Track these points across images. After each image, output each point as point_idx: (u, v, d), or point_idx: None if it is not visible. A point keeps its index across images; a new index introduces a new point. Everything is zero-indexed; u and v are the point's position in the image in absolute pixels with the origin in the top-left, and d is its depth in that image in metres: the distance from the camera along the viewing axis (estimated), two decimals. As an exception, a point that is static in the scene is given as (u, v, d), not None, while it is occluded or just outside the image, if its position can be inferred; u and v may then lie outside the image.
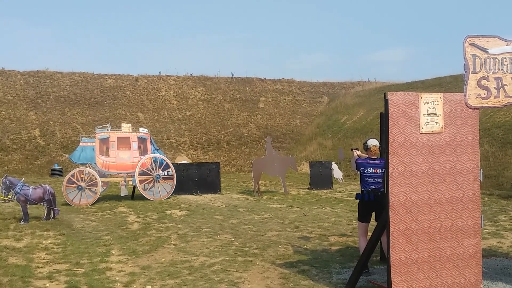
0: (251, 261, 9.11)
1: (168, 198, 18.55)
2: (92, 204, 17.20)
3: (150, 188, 18.57)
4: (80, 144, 18.46)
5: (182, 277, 8.14)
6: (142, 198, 18.31)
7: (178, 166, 20.08)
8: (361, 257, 7.27)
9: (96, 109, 38.18)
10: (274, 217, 14.16)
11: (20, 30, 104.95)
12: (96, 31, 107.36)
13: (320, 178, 22.57)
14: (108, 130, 18.48)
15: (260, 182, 21.26)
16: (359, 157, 8.45)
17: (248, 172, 35.10)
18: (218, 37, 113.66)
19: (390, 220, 6.26)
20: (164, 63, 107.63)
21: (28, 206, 13.54)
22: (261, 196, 19.55)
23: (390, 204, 6.26)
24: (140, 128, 20.15)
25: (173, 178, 18.90)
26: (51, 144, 34.18)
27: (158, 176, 18.49)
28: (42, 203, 13.83)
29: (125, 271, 8.59)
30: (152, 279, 8.06)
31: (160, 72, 44.14)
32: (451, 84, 31.74)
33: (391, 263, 6.26)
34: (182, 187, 19.79)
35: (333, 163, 24.94)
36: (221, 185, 21.52)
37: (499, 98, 6.62)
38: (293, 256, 9.45)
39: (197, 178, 20.61)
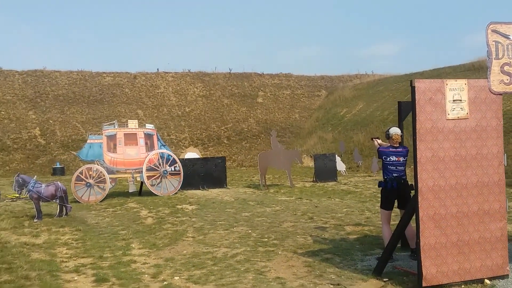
0: (273, 251, 9.22)
1: (175, 193, 18.63)
2: (101, 201, 17.25)
3: (158, 184, 18.65)
4: (88, 141, 18.50)
5: (207, 267, 8.24)
6: (150, 194, 18.38)
7: (184, 162, 20.16)
8: (388, 243, 7.39)
9: (95, 107, 38.15)
10: (286, 209, 14.27)
11: (15, 28, 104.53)
12: (92, 29, 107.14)
13: (325, 170, 22.71)
14: (115, 126, 18.51)
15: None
16: (380, 145, 8.55)
17: (249, 167, 35.27)
18: (215, 33, 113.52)
19: (419, 206, 6.37)
20: (162, 60, 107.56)
21: (41, 203, 13.59)
22: (268, 190, 19.66)
23: (419, 189, 6.37)
24: (146, 124, 20.19)
25: (180, 173, 18.97)
26: (51, 143, 34.16)
27: (165, 172, 18.56)
28: (54, 200, 13.88)
29: (149, 263, 8.68)
30: (178, 270, 8.14)
31: (158, 69, 44.17)
32: (450, 75, 31.88)
33: (421, 248, 6.37)
34: (188, 182, 19.86)
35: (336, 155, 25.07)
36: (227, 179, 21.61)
37: (521, 83, 6.72)
38: (313, 245, 9.56)
39: (203, 173, 20.70)
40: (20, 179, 13.52)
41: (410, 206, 6.80)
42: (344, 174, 25.60)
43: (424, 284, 6.37)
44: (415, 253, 8.02)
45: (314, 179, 22.67)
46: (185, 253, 9.31)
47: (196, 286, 7.24)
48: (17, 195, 18.52)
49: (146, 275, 7.91)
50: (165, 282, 7.45)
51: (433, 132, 6.43)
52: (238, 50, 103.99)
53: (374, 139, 8.83)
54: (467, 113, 6.57)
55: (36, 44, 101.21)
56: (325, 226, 11.45)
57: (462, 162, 6.55)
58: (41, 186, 13.61)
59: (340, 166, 25.28)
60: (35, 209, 13.47)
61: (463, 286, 6.56)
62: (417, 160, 6.38)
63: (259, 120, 41.27)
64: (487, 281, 6.64)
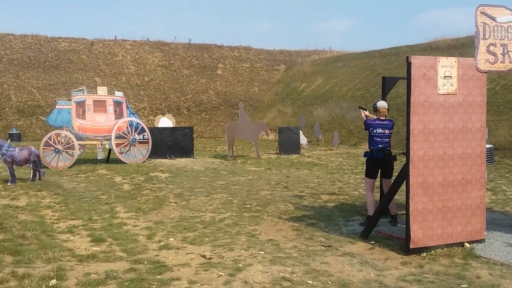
0: (258, 216, 9.62)
1: (143, 161, 18.70)
2: (70, 167, 17.15)
3: (126, 152, 18.66)
4: (57, 106, 18.21)
5: (198, 230, 8.56)
6: (118, 161, 18.38)
7: (152, 131, 20.17)
8: (377, 209, 7.90)
9: (51, 73, 37.19)
10: (259, 178, 14.67)
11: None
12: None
13: (288, 143, 23.18)
14: (84, 93, 18.31)
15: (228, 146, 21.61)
16: (367, 117, 8.99)
17: (209, 138, 35.46)
18: (173, 2, 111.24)
19: (410, 174, 6.87)
20: (120, 27, 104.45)
21: (14, 167, 13.47)
22: (235, 160, 19.99)
23: (410, 158, 6.86)
24: (115, 92, 20.03)
25: (148, 142, 19.02)
26: (6, 108, 33.22)
27: (134, 140, 18.58)
28: (27, 165, 13.77)
29: (140, 226, 8.92)
30: (170, 232, 8.43)
31: (116, 37, 43.26)
32: (408, 54, 32.64)
33: (410, 212, 6.89)
34: (156, 151, 19.92)
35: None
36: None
37: (505, 63, 7.27)
38: (295, 212, 10.01)
39: (170, 143, 20.81)
40: (-6, 143, 13.34)
41: (400, 174, 7.29)
42: (306, 147, 26.20)
43: (411, 246, 6.92)
44: (394, 220, 8.64)
45: (278, 151, 23.14)
46: (172, 217, 9.59)
47: (193, 246, 7.55)
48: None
49: (140, 236, 8.16)
50: (161, 243, 7.73)
51: (425, 105, 6.90)
52: (197, 21, 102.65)
53: (361, 110, 9.24)
54: (455, 89, 7.08)
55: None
56: (301, 195, 11.93)
57: (450, 134, 7.07)
58: (14, 150, 13.46)
59: (302, 139, 25.82)
60: (8, 173, 13.35)
61: (445, 248, 7.14)
62: (410, 131, 6.84)
63: (218, 92, 41.32)
64: (467, 244, 7.25)
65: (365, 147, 24.98)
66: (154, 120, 27.42)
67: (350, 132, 27.73)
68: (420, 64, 6.87)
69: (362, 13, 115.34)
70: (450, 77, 7.02)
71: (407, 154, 6.92)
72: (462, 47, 29.49)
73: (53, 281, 5.83)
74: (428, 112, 6.92)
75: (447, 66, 6.99)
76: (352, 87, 33.75)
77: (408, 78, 6.84)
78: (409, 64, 6.82)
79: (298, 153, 22.97)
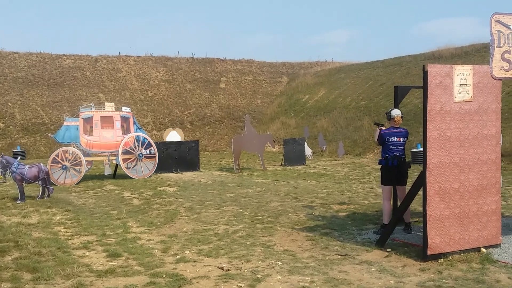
0: (271, 227, 9.61)
1: (150, 176, 18.71)
2: (77, 183, 17.17)
3: (133, 167, 18.68)
4: (64, 123, 18.28)
5: (213, 242, 8.55)
6: (125, 177, 18.39)
7: (158, 145, 20.17)
8: (393, 216, 7.90)
9: (55, 90, 37.31)
10: (267, 190, 14.67)
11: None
12: (50, 10, 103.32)
13: (294, 154, 23.19)
14: (91, 109, 18.38)
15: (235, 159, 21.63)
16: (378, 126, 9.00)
17: (213, 152, 35.49)
18: (177, 17, 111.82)
19: (426, 181, 6.88)
20: (123, 43, 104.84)
21: (24, 185, 13.50)
22: (241, 172, 20.00)
23: (427, 166, 6.87)
24: (122, 107, 20.10)
25: (155, 156, 19.04)
26: (11, 127, 33.30)
27: (140, 155, 18.61)
28: (37, 182, 13.80)
29: (154, 240, 8.91)
30: (185, 245, 8.42)
31: (119, 53, 43.40)
32: (411, 63, 32.92)
33: (427, 219, 6.89)
34: (162, 166, 19.89)
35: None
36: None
37: (518, 70, 7.30)
38: (308, 222, 10.01)
39: (176, 157, 20.82)
40: (4, 160, 13.38)
41: (416, 182, 7.30)
42: (311, 158, 26.18)
43: (429, 252, 6.91)
44: (409, 227, 8.64)
45: (283, 162, 23.14)
46: (185, 230, 9.58)
47: (209, 259, 7.54)
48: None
49: (156, 250, 8.15)
50: (177, 256, 7.72)
51: (442, 113, 6.93)
52: (200, 35, 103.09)
53: (379, 127, 9.01)
54: (471, 97, 7.11)
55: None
56: (312, 205, 11.92)
57: (465, 141, 7.10)
58: (24, 168, 13.50)
59: (307, 150, 25.82)
60: (17, 191, 13.37)
61: (462, 254, 7.14)
62: (427, 139, 6.87)
63: (222, 106, 41.41)
64: (483, 249, 7.26)
65: (370, 157, 25.00)
66: (164, 133, 27.33)
67: (355, 142, 27.74)
68: (437, 72, 6.91)
69: (363, 24, 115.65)
70: (466, 84, 7.06)
71: (424, 161, 6.95)
72: (466, 55, 29.58)
73: (74, 296, 5.83)
74: (444, 120, 6.95)
75: (462, 74, 7.04)
76: (355, 97, 33.82)
77: (425, 87, 6.88)
78: (425, 73, 6.87)
79: (303, 164, 22.96)
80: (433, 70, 6.88)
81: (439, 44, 55.48)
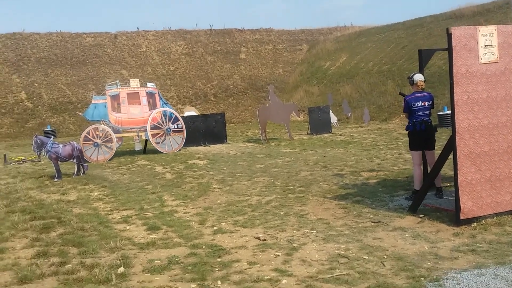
0: (303, 196, 9.81)
1: (179, 150, 19.03)
2: (109, 160, 17.58)
3: (162, 142, 19.01)
4: (93, 101, 18.64)
5: (248, 213, 8.79)
6: (155, 151, 18.75)
7: (185, 119, 20.45)
8: (425, 181, 8.03)
9: (79, 68, 37.76)
10: (296, 160, 14.84)
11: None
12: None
13: (319, 123, 23.26)
14: (117, 86, 18.67)
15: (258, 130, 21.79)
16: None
17: (238, 123, 35.70)
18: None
19: (456, 145, 6.95)
20: (141, 18, 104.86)
21: (59, 163, 13.91)
22: (268, 143, 20.19)
23: (456, 130, 6.94)
24: (147, 83, 20.34)
25: (183, 130, 19.32)
26: (39, 106, 33.93)
27: (168, 129, 18.91)
28: (71, 160, 14.20)
29: (190, 212, 9.20)
30: (221, 217, 8.68)
31: (138, 28, 43.58)
32: (433, 24, 32.40)
33: (458, 183, 6.99)
34: (190, 139, 20.18)
35: (328, 108, 25.60)
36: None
37: (545, 28, 7.26)
38: (339, 190, 10.18)
39: (204, 130, 21.09)
40: (38, 140, 13.80)
41: (446, 146, 7.39)
42: (336, 126, 26.22)
43: (462, 217, 7.03)
44: (440, 192, 8.74)
45: (309, 131, 23.25)
46: (219, 202, 9.84)
47: (245, 229, 7.79)
48: (23, 158, 18.76)
49: (193, 222, 8.43)
50: (214, 227, 7.98)
51: (468, 76, 6.96)
52: (217, 6, 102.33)
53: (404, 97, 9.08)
54: (497, 57, 7.12)
55: (11, 5, 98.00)
56: (342, 173, 12.07)
57: (493, 103, 7.13)
58: (58, 146, 13.89)
59: (332, 118, 25.84)
60: (54, 169, 13.79)
61: (495, 217, 7.24)
62: (454, 102, 6.92)
63: (243, 76, 41.45)
64: (516, 212, 7.34)
65: (396, 122, 24.92)
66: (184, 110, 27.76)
67: (380, 108, 27.65)
68: (461, 34, 6.92)
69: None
70: (491, 45, 7.06)
71: (452, 125, 7.01)
72: (488, 13, 29.00)
73: (121, 269, 6.13)
74: (471, 82, 6.99)
75: (487, 35, 7.03)
76: (377, 62, 33.51)
77: (450, 50, 6.89)
78: (449, 36, 6.87)
79: (330, 132, 23.05)
80: (457, 32, 6.89)
81: (459, 2, 54.23)
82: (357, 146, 17.27)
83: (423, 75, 8.91)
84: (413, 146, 8.79)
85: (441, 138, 13.31)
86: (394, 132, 20.85)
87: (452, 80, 6.93)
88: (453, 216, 7.28)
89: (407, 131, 8.90)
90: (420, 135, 8.60)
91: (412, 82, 8.72)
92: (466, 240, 6.59)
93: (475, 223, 7.07)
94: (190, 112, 24.91)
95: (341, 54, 39.37)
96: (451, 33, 6.88)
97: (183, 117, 21.33)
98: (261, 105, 32.38)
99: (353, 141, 19.18)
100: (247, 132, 26.71)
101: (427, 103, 8.59)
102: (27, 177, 14.18)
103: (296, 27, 48.70)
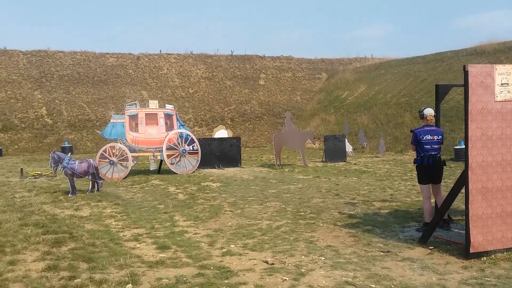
0: (314, 223, 9.82)
1: (193, 172, 19.16)
2: (124, 178, 17.76)
3: (177, 163, 19.17)
4: (111, 120, 18.95)
5: (257, 237, 8.82)
6: (169, 172, 18.90)
7: (201, 141, 20.64)
8: (436, 214, 8.02)
9: (100, 87, 38.39)
10: (309, 186, 14.87)
11: (16, 7, 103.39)
12: (93, 10, 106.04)
13: (334, 151, 23.29)
14: (136, 107, 18.96)
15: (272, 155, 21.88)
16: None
17: (253, 148, 35.86)
18: (218, 14, 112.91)
19: (469, 180, 6.97)
20: (164, 41, 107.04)
21: (75, 179, 14.10)
22: (282, 169, 20.24)
23: (469, 165, 6.96)
24: (166, 105, 20.63)
25: (198, 152, 19.48)
26: (58, 123, 34.46)
27: (184, 151, 19.07)
28: (87, 177, 14.37)
29: (200, 233, 9.25)
30: (230, 239, 8.72)
31: (160, 51, 44.32)
32: (453, 59, 32.45)
33: (469, 218, 6.98)
34: (204, 162, 20.35)
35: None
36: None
37: (561, 68, 7.30)
38: (350, 219, 10.17)
39: (218, 153, 21.24)
40: (55, 156, 14.00)
41: (459, 180, 7.40)
42: (352, 155, 26.22)
43: (471, 251, 7.00)
44: (446, 224, 8.72)
45: (324, 159, 23.27)
46: (230, 225, 9.89)
47: (254, 253, 7.81)
48: (39, 173, 19.03)
49: (203, 243, 8.48)
50: (224, 249, 8.02)
51: (483, 113, 7.01)
52: (239, 32, 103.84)
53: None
54: (512, 96, 7.16)
55: (38, 24, 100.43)
56: (354, 202, 12.07)
57: (507, 140, 7.16)
58: (75, 163, 14.09)
59: (348, 147, 25.86)
60: (69, 185, 13.97)
61: (505, 252, 7.20)
62: (468, 138, 6.96)
63: (261, 102, 41.76)
64: (526, 248, 7.28)
65: (411, 154, 24.82)
66: (213, 131, 27.82)
67: (396, 139, 27.61)
68: (477, 72, 6.99)
69: (402, 18, 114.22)
70: (507, 84, 7.11)
71: (466, 160, 7.04)
72: (509, 51, 28.98)
73: (129, 286, 6.20)
74: (486, 119, 7.03)
75: (504, 73, 7.09)
76: (396, 93, 33.57)
77: (466, 86, 6.96)
78: (466, 73, 6.95)
79: (344, 161, 23.05)
80: (474, 69, 6.96)
81: (481, 39, 54.25)
82: (371, 176, 17.25)
83: (439, 109, 8.99)
84: (421, 180, 8.82)
85: (457, 171, 13.26)
86: (409, 164, 20.76)
87: (467, 116, 6.98)
88: (463, 250, 7.25)
89: (415, 164, 8.93)
90: (428, 169, 8.62)
91: (422, 116, 8.79)
92: (475, 273, 6.55)
93: (485, 257, 7.04)
94: (221, 131, 24.97)
95: (360, 85, 39.53)
96: (467, 70, 6.95)
97: (204, 139, 21.48)
98: (277, 131, 32.56)
99: (367, 170, 19.15)
100: (262, 157, 26.80)
101: (435, 138, 8.63)
102: (42, 192, 14.36)
103: (316, 56, 49.13)
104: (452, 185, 7.86)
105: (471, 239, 6.98)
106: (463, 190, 7.29)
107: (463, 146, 20.59)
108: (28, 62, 38.36)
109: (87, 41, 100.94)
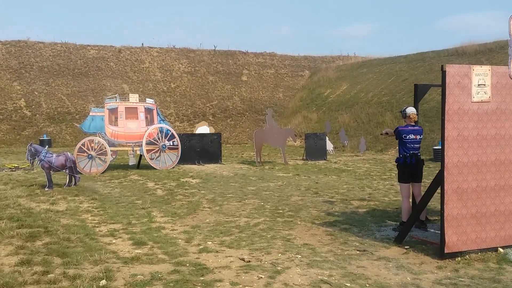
0: (291, 221, 9.84)
1: (173, 167, 19.06)
2: (102, 173, 17.59)
3: (156, 158, 19.04)
4: (90, 113, 18.72)
5: (235, 234, 8.81)
6: (149, 167, 18.78)
7: (181, 137, 20.51)
8: (412, 214, 8.08)
9: (80, 80, 37.95)
10: (288, 184, 14.89)
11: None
12: (74, 0, 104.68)
13: (315, 149, 23.34)
14: (116, 100, 18.78)
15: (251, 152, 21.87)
16: (387, 133, 9.23)
17: (234, 144, 35.80)
18: (201, 8, 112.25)
19: (444, 180, 7.02)
20: (146, 34, 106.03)
21: (52, 173, 13.92)
22: (263, 166, 20.24)
23: (445, 165, 7.02)
24: (146, 99, 20.45)
25: (178, 148, 19.37)
26: (37, 115, 34.00)
27: (164, 146, 18.95)
28: (64, 170, 14.20)
29: (177, 230, 9.20)
30: (208, 236, 8.69)
31: (142, 44, 43.91)
32: (434, 59, 32.70)
33: (444, 218, 7.04)
34: (184, 157, 20.24)
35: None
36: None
37: (537, 71, 7.38)
38: (327, 217, 10.21)
39: (199, 149, 21.16)
40: (32, 149, 13.81)
41: (434, 180, 7.46)
42: (332, 153, 26.32)
43: (446, 251, 7.07)
44: (423, 224, 8.80)
45: (305, 157, 23.31)
46: (208, 222, 9.86)
47: (231, 250, 7.79)
48: (16, 165, 18.77)
49: (179, 240, 8.43)
50: (200, 246, 7.99)
51: (460, 113, 7.07)
52: (222, 27, 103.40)
53: (384, 134, 9.44)
54: (489, 97, 7.23)
55: (18, 14, 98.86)
56: (332, 200, 12.11)
57: (483, 141, 7.22)
58: (52, 156, 13.91)
59: (329, 145, 25.94)
60: (46, 178, 13.79)
61: (479, 253, 7.28)
62: (445, 138, 7.01)
63: (243, 98, 41.68)
64: (500, 249, 7.38)
65: (391, 153, 25.02)
66: (195, 127, 27.68)
67: (376, 138, 27.77)
68: (455, 72, 7.04)
69: (386, 17, 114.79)
70: (484, 85, 7.18)
71: (442, 160, 7.09)
72: (490, 52, 29.32)
73: (103, 282, 6.13)
74: (462, 120, 7.08)
75: (481, 74, 7.15)
76: (377, 92, 33.77)
77: (443, 86, 7.01)
78: (444, 73, 6.99)
79: (325, 159, 23.11)
80: (452, 70, 7.01)
81: (462, 40, 54.90)
82: (351, 175, 17.33)
83: (417, 109, 9.05)
84: (402, 179, 8.87)
85: (435, 172, 13.35)
86: (389, 163, 20.92)
87: (443, 116, 7.04)
88: (437, 250, 7.32)
89: (396, 163, 8.98)
90: (409, 168, 8.68)
91: (405, 115, 8.83)
92: (449, 273, 6.61)
93: (459, 258, 7.11)
94: (203, 127, 24.86)
95: (342, 83, 39.67)
96: (445, 70, 7.00)
97: (185, 134, 21.36)
98: (259, 127, 32.56)
99: (347, 169, 19.24)
100: (243, 154, 26.78)
101: (418, 137, 8.71)
102: (18, 185, 14.16)
103: (300, 53, 49.18)
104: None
105: (445, 239, 7.04)
106: (439, 190, 7.34)
107: (442, 147, 20.81)
108: (7, 53, 37.75)
109: (68, 32, 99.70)
